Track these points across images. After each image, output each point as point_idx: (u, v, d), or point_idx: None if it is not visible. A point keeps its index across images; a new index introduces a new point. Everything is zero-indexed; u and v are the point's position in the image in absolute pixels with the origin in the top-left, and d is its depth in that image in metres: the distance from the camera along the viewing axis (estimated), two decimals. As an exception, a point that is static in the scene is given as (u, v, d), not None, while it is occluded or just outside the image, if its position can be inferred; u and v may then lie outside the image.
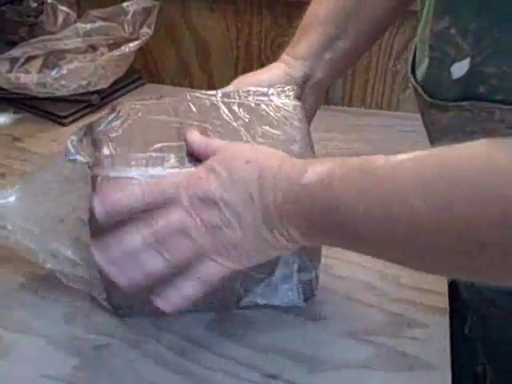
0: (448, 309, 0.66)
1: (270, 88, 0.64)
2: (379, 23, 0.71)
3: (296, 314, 0.65)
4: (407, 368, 0.60)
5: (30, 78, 1.01)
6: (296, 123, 0.61)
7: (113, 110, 0.62)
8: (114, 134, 0.59)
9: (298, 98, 0.64)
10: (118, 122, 0.60)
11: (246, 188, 0.50)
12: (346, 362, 0.60)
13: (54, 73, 1.02)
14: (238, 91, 0.64)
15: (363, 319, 0.65)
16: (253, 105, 0.62)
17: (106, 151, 0.57)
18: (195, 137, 0.57)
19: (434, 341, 0.62)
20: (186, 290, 0.53)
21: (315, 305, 0.66)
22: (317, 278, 0.64)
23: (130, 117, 0.61)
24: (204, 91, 0.65)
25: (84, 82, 1.04)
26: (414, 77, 0.57)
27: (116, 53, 1.06)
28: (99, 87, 1.06)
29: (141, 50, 1.16)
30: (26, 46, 1.06)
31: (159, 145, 0.58)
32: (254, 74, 0.69)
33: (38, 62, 1.06)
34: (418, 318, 0.65)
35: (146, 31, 1.11)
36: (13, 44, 1.08)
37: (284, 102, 0.63)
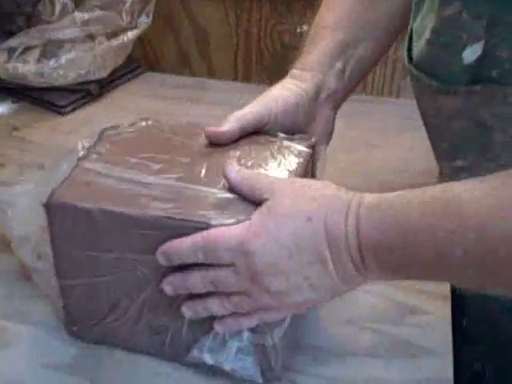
0: (450, 296, 0.65)
1: (289, 136, 0.62)
2: (391, 28, 0.69)
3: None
4: (410, 355, 0.60)
5: (28, 68, 1.01)
6: (294, 164, 0.58)
7: (133, 122, 0.65)
8: (116, 138, 0.62)
9: (311, 147, 0.61)
10: (128, 131, 0.63)
11: (314, 251, 0.48)
12: (348, 350, 0.60)
13: (52, 62, 1.02)
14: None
15: (366, 307, 0.65)
16: (262, 141, 0.61)
17: (98, 148, 0.60)
18: (236, 174, 0.53)
19: (436, 328, 0.62)
20: (245, 323, 0.53)
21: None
22: (276, 349, 0.55)
23: (142, 129, 0.64)
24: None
25: (83, 72, 1.03)
26: (412, 64, 0.56)
27: (114, 42, 1.06)
28: (98, 76, 1.05)
29: (139, 39, 1.16)
30: (24, 36, 1.05)
31: (150, 155, 0.59)
32: (267, 94, 0.65)
33: (35, 52, 1.05)
34: (421, 305, 0.64)
35: (145, 20, 1.10)
36: (10, 34, 1.07)
37: (293, 145, 0.60)
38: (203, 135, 0.61)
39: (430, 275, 0.48)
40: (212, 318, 0.54)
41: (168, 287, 0.53)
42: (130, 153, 0.59)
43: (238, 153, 0.59)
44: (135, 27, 1.09)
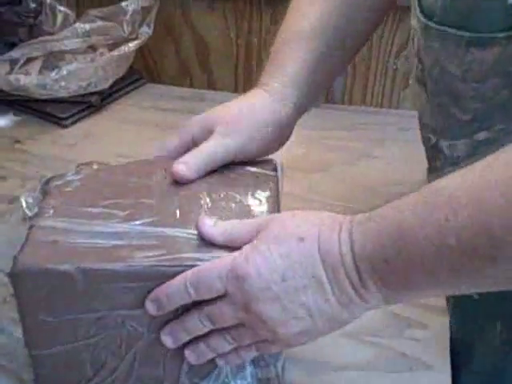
0: (447, 309, 0.66)
1: (249, 161, 0.61)
2: (365, 35, 0.68)
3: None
4: (407, 369, 0.60)
5: (29, 80, 1.01)
6: (265, 190, 0.57)
7: (76, 168, 0.61)
8: (67, 189, 0.57)
9: (275, 169, 0.60)
10: (77, 179, 0.59)
11: (308, 272, 0.46)
12: (346, 364, 0.61)
13: (53, 74, 1.02)
14: None
15: (363, 320, 0.64)
16: (224, 171, 0.59)
17: (51, 202, 0.55)
18: (211, 230, 0.51)
19: (434, 341, 0.62)
20: (245, 356, 0.52)
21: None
22: (279, 378, 0.55)
23: (91, 175, 0.59)
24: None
25: (84, 83, 1.04)
26: (433, 21, 0.52)
27: (116, 53, 1.06)
28: (99, 88, 1.06)
29: (140, 50, 1.16)
30: (26, 48, 1.06)
31: (111, 201, 0.55)
32: (255, 118, 0.62)
33: (37, 64, 1.06)
34: (419, 318, 0.65)
35: (146, 30, 1.11)
36: (12, 45, 1.07)
37: (258, 171, 0.60)
38: (158, 172, 0.59)
39: (429, 281, 0.44)
40: (210, 361, 0.52)
41: (168, 339, 0.51)
42: (87, 203, 0.55)
43: (205, 186, 0.58)
44: (136, 38, 1.10)
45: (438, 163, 0.60)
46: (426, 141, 0.62)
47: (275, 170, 0.60)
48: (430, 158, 0.63)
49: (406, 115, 1.04)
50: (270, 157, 0.63)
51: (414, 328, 0.64)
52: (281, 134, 0.64)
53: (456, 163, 0.55)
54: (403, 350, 0.62)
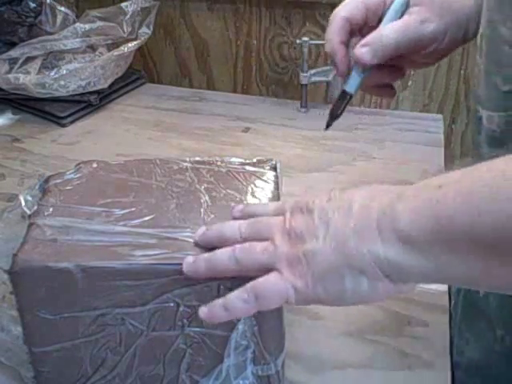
0: (448, 307, 0.66)
1: (246, 159, 0.61)
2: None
3: (295, 313, 0.65)
4: (407, 367, 0.60)
5: (29, 79, 1.01)
6: (265, 189, 0.57)
7: (76, 167, 0.60)
8: (66, 188, 0.57)
9: (274, 168, 0.60)
10: (76, 177, 0.59)
11: (347, 199, 0.44)
12: (346, 361, 0.60)
13: (53, 73, 1.03)
14: (211, 159, 0.62)
15: (363, 318, 0.65)
16: (223, 170, 0.60)
17: (50, 200, 0.55)
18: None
19: (434, 340, 0.62)
20: (233, 301, 0.47)
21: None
22: (279, 376, 0.54)
23: (90, 174, 0.59)
24: (177, 158, 0.62)
25: (83, 83, 1.04)
26: None
27: (115, 53, 1.07)
28: (99, 87, 1.06)
29: (140, 50, 1.17)
30: (25, 47, 1.06)
31: (110, 200, 0.55)
32: None
33: (37, 63, 1.06)
34: (419, 316, 0.65)
35: (145, 31, 1.11)
36: (12, 45, 1.08)
37: (258, 170, 0.60)
38: (158, 171, 0.59)
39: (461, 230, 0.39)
40: (212, 359, 0.52)
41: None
42: (87, 201, 0.55)
43: (205, 185, 0.57)
44: (136, 38, 1.10)
45: (480, 139, 0.58)
46: (473, 114, 0.60)
47: (275, 169, 0.60)
48: (474, 133, 0.61)
49: (405, 116, 1.05)
50: (270, 157, 0.63)
51: (414, 326, 0.64)
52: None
53: (493, 137, 0.54)
54: (403, 348, 0.61)
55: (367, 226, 0.42)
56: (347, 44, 0.60)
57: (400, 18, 0.58)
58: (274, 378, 0.54)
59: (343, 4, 0.60)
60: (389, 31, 0.58)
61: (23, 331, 0.52)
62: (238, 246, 0.48)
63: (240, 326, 0.51)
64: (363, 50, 0.57)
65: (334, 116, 0.62)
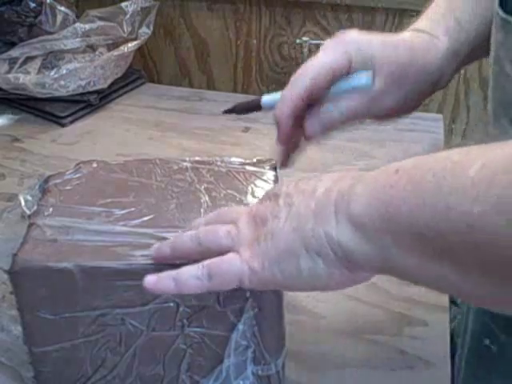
0: (448, 307, 0.66)
1: (246, 159, 0.61)
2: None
3: (295, 313, 0.65)
4: (407, 367, 0.60)
5: (29, 79, 1.01)
6: (265, 189, 0.57)
7: (76, 167, 0.60)
8: (66, 188, 0.57)
9: (274, 168, 0.60)
10: (76, 177, 0.59)
11: (313, 183, 0.44)
12: (346, 361, 0.60)
13: (53, 73, 1.03)
14: (211, 159, 0.61)
15: (363, 318, 0.65)
16: (223, 170, 0.59)
17: (50, 200, 0.55)
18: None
19: (434, 339, 0.62)
20: (186, 275, 0.46)
21: (315, 303, 0.66)
22: (279, 376, 0.54)
23: (90, 174, 0.59)
24: (177, 158, 0.62)
25: (83, 83, 1.04)
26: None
27: (115, 53, 1.07)
28: (98, 87, 1.06)
29: (140, 50, 1.17)
30: (25, 47, 1.06)
31: (110, 200, 0.55)
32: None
33: (36, 63, 1.06)
34: (419, 316, 0.65)
35: (145, 31, 1.11)
36: (12, 44, 1.08)
37: (257, 170, 0.59)
38: (157, 171, 0.59)
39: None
40: (212, 359, 0.52)
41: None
42: (87, 201, 0.55)
43: (205, 185, 0.57)
44: (136, 38, 1.10)
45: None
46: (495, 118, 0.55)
47: (275, 169, 0.60)
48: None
49: (405, 116, 1.04)
50: (270, 157, 0.63)
51: (414, 325, 0.64)
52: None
53: None
54: (403, 347, 0.61)
55: (326, 208, 0.41)
56: (297, 114, 0.56)
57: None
58: (275, 378, 0.54)
59: (310, 63, 0.55)
60: (341, 110, 0.57)
61: (23, 331, 0.52)
62: (201, 228, 0.48)
63: (240, 326, 0.51)
64: (312, 126, 0.56)
65: (233, 111, 0.62)
